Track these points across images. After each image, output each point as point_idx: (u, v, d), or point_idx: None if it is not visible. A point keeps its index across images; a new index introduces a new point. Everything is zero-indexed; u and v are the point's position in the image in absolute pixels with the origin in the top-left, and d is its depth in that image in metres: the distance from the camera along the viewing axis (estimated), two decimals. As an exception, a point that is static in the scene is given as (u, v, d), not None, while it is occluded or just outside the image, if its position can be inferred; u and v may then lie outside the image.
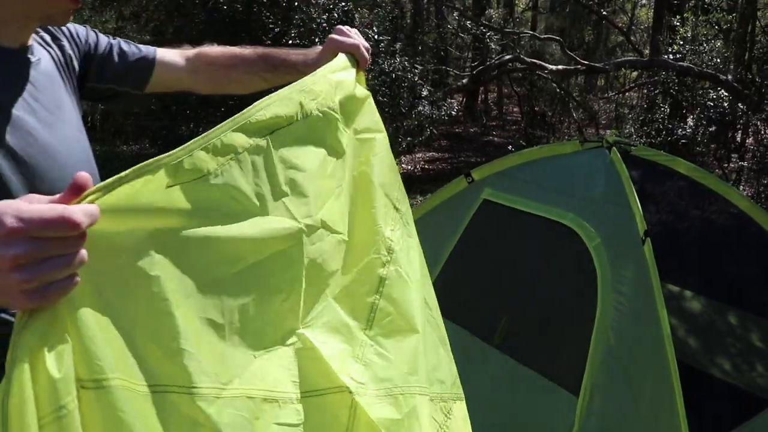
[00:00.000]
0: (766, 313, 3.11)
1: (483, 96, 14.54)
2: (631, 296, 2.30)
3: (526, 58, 8.17)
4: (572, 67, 8.24)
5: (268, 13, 5.98)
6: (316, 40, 5.74)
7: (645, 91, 10.35)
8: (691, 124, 7.50)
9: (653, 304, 2.20)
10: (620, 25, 14.79)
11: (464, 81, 8.23)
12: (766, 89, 7.16)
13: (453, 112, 7.62)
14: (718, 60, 8.28)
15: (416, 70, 6.81)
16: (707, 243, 3.25)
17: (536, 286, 2.67)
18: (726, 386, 3.13)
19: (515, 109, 13.72)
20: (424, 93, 7.03)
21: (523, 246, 2.79)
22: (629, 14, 16.47)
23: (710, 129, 7.72)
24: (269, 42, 5.87)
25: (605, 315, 2.33)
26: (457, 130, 11.86)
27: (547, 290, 2.62)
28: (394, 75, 6.36)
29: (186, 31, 6.95)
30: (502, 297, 2.75)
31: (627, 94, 12.13)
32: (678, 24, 9.02)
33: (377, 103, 1.59)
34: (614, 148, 2.69)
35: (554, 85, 10.66)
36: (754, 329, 3.16)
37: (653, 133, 7.84)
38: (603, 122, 11.16)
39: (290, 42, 5.71)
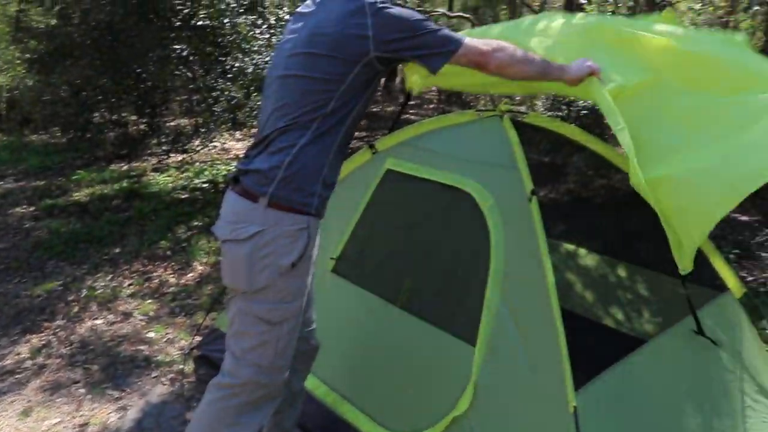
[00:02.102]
0: (651, 264, 3.38)
1: (402, 76, 14.70)
2: (521, 250, 2.47)
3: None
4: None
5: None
6: (226, 22, 5.71)
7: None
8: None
9: (539, 256, 2.37)
10: (535, 4, 15.20)
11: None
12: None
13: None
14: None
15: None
16: (597, 203, 3.50)
17: (438, 248, 2.82)
18: (615, 333, 3.39)
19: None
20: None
21: (425, 211, 2.93)
22: (542, -6, 16.93)
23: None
24: (178, 23, 5.81)
25: (498, 270, 2.50)
26: (374, 109, 11.99)
27: (447, 251, 2.77)
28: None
29: (94, 12, 6.76)
30: (406, 261, 2.89)
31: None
32: (585, 2, 9.35)
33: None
34: (506, 116, 2.85)
35: (470, 63, 10.83)
36: (640, 280, 3.43)
37: (563, 107, 8.19)
38: (518, 98, 11.50)
39: (199, 23, 5.66)
